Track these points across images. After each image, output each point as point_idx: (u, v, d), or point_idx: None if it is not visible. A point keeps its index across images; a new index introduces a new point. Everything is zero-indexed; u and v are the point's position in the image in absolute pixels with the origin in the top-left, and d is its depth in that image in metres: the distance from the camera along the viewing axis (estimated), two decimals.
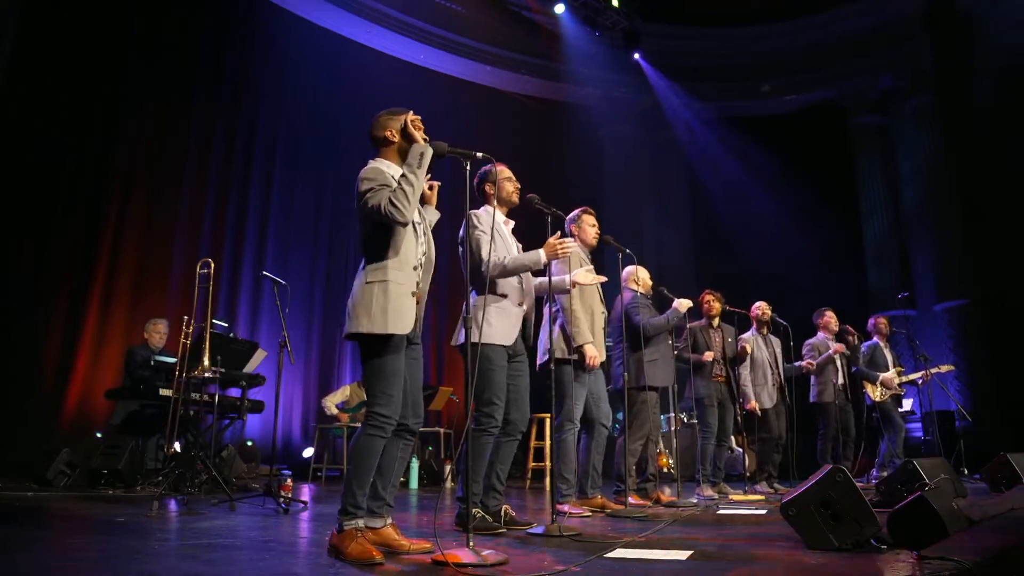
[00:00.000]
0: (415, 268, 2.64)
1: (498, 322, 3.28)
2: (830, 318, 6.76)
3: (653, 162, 11.78)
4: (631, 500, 4.60)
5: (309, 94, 9.10)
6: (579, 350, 3.95)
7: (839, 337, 6.80)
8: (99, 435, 6.02)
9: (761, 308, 6.28)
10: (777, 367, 6.19)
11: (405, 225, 2.55)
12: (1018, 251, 9.21)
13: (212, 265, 5.09)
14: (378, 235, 2.58)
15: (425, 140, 2.69)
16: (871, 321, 7.29)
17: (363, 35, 9.83)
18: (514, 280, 3.40)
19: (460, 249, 3.36)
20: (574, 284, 3.49)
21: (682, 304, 4.83)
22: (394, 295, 2.53)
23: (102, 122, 7.34)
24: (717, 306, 5.82)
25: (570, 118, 11.22)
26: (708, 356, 5.55)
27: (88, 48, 7.28)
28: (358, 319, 2.51)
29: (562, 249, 3.28)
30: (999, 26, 9.96)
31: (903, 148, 10.91)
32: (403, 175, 2.53)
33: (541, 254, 3.30)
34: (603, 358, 4.14)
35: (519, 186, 3.56)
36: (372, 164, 2.67)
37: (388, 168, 2.66)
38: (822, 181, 10.74)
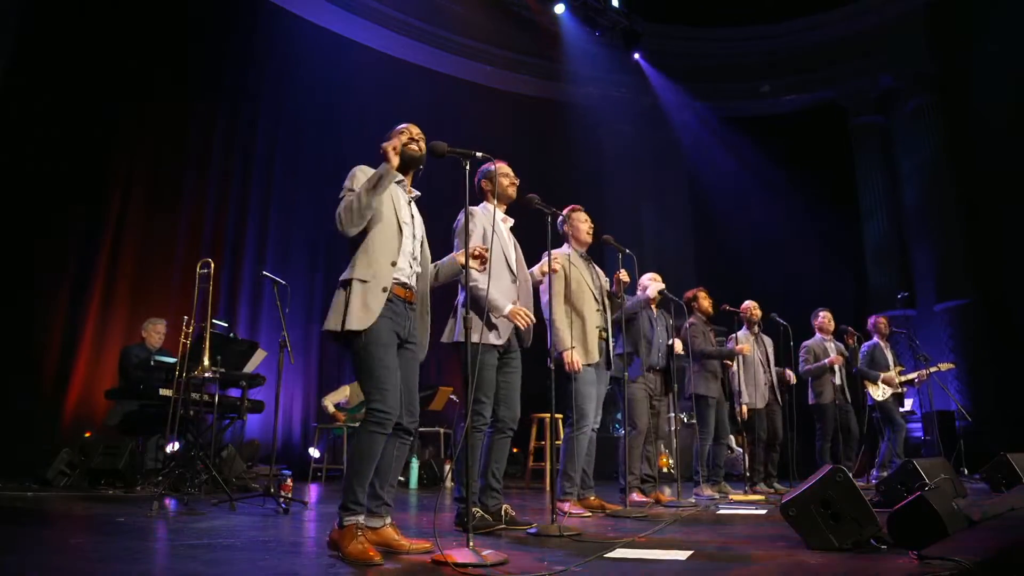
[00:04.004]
0: (393, 264, 2.66)
1: (490, 320, 3.29)
2: (824, 319, 6.75)
3: (653, 162, 11.78)
4: (635, 497, 4.61)
5: (309, 94, 9.09)
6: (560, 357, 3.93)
7: (837, 336, 6.79)
8: (88, 434, 6.01)
9: (751, 307, 6.27)
10: (769, 367, 6.19)
11: (345, 235, 2.65)
12: (1018, 251, 9.21)
13: (212, 265, 5.09)
14: (364, 231, 2.65)
15: (412, 140, 2.76)
16: (871, 321, 7.29)
17: (363, 35, 9.83)
18: (507, 279, 3.41)
19: (455, 242, 3.37)
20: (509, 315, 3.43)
21: (652, 291, 4.93)
22: (356, 294, 2.59)
23: (102, 122, 7.33)
24: (708, 303, 5.84)
25: (570, 118, 11.21)
26: (742, 349, 5.73)
27: (88, 48, 7.27)
28: (328, 318, 2.61)
29: (522, 320, 3.32)
30: (1000, 25, 9.96)
31: (903, 148, 10.91)
32: (358, 191, 2.60)
33: (507, 309, 3.33)
34: (594, 360, 4.08)
35: (516, 181, 3.58)
36: (364, 166, 2.74)
37: (369, 169, 2.72)
38: (822, 181, 10.74)
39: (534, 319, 3.42)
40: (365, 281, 2.60)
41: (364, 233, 2.64)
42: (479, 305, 3.27)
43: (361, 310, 2.56)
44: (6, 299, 6.40)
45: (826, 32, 11.35)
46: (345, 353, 2.57)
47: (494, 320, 3.34)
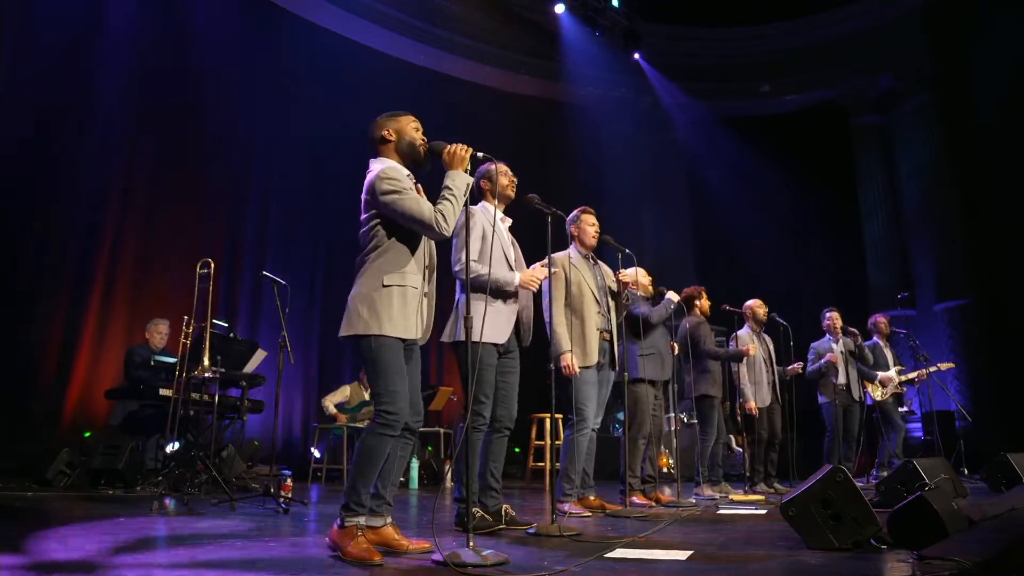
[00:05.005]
0: (426, 267, 2.70)
1: (490, 320, 3.27)
2: (831, 320, 6.74)
3: (653, 162, 11.78)
4: (636, 500, 4.60)
5: (309, 93, 9.09)
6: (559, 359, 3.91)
7: (844, 332, 6.78)
8: (87, 434, 6.01)
9: (754, 306, 6.26)
10: (772, 366, 6.19)
11: (442, 239, 2.64)
12: (1018, 251, 9.21)
13: (212, 265, 5.09)
14: (399, 237, 2.61)
15: (424, 141, 2.74)
16: (871, 321, 7.29)
17: (363, 35, 9.82)
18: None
19: (454, 242, 3.37)
20: (520, 286, 3.42)
21: (673, 295, 4.95)
22: (412, 301, 2.59)
23: (102, 121, 7.34)
24: (708, 304, 5.85)
25: (570, 118, 11.21)
26: (751, 349, 5.81)
27: (87, 49, 7.27)
28: (378, 321, 2.52)
29: (534, 284, 3.36)
30: (1000, 25, 9.97)
31: (903, 148, 10.91)
32: (450, 195, 2.60)
33: (516, 278, 3.35)
34: (593, 361, 4.06)
35: (515, 180, 3.59)
36: (385, 163, 2.69)
37: (399, 168, 2.69)
38: (822, 181, 10.74)
39: (546, 273, 3.44)
40: (416, 288, 2.62)
41: (412, 237, 2.63)
42: (484, 293, 3.23)
43: (414, 319, 2.61)
44: (6, 299, 6.40)
45: (826, 32, 11.34)
46: (346, 354, 2.58)
47: (496, 318, 3.31)
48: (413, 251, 2.64)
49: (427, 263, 2.72)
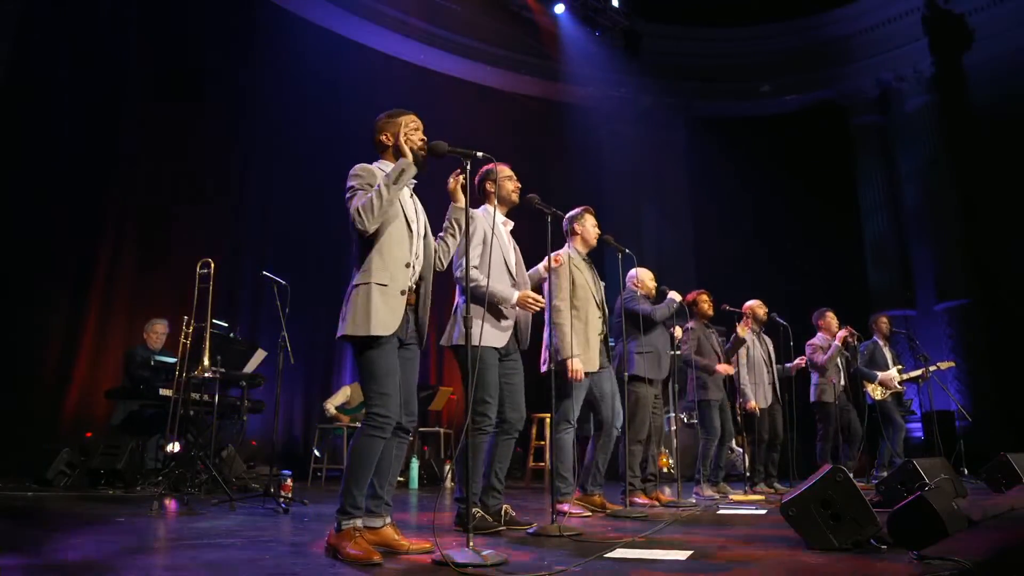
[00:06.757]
0: (407, 265, 2.63)
1: (489, 324, 3.29)
2: (831, 319, 6.75)
3: (653, 162, 11.77)
4: (637, 499, 4.61)
5: (309, 93, 9.08)
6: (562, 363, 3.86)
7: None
8: (88, 434, 6.02)
9: (754, 306, 6.25)
10: (772, 366, 6.19)
11: (364, 235, 2.55)
12: (1018, 251, 9.22)
13: (212, 265, 5.10)
14: (376, 234, 2.58)
15: (424, 141, 2.69)
16: (871, 321, 7.29)
17: (363, 35, 9.83)
18: (507, 282, 3.41)
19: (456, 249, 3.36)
20: (516, 305, 3.41)
21: (676, 295, 4.93)
22: (376, 297, 2.54)
23: (102, 122, 7.34)
24: (708, 306, 5.83)
25: (570, 118, 11.20)
26: (724, 369, 5.60)
27: (87, 48, 7.28)
28: (344, 321, 2.57)
29: (532, 306, 3.34)
30: (1000, 25, 9.98)
31: (903, 148, 10.92)
32: (378, 186, 2.54)
33: (515, 297, 3.33)
34: (595, 367, 4.05)
35: (519, 186, 3.57)
36: (366, 164, 2.68)
37: (385, 168, 2.68)
38: (822, 181, 10.74)
39: (544, 301, 3.42)
40: (384, 285, 2.56)
41: (378, 233, 2.58)
42: (482, 304, 3.24)
43: (386, 315, 2.54)
44: (6, 299, 6.40)
45: (826, 32, 11.35)
46: (346, 354, 2.56)
47: (495, 323, 3.32)
48: (393, 247, 2.60)
49: (412, 259, 2.65)
